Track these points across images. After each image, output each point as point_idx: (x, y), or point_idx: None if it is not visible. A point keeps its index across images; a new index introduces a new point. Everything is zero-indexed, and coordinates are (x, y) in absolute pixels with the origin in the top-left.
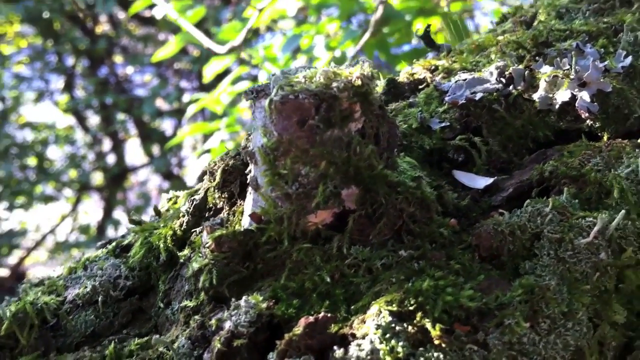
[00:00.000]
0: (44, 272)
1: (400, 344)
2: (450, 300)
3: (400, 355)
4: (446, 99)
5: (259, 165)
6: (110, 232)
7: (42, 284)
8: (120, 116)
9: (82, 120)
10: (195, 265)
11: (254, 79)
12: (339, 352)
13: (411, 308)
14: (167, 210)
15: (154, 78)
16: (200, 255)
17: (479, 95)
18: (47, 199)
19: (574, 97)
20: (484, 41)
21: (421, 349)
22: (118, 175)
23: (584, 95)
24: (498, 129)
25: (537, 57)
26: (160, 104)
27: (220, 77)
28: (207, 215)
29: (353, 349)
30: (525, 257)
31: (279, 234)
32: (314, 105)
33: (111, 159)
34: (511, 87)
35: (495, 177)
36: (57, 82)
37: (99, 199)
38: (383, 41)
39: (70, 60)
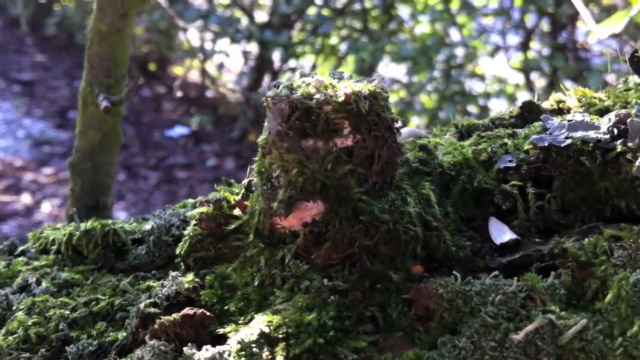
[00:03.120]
0: None
1: None
2: (321, 343)
3: None
4: (531, 138)
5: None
6: None
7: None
8: (567, 83)
9: (529, 81)
10: (185, 232)
11: None
12: (188, 350)
13: (280, 336)
14: None
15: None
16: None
17: (567, 142)
18: None
19: None
20: None
21: None
22: None
23: None
24: (575, 185)
25: None
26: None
27: None
28: None
29: (201, 352)
30: (452, 330)
31: (250, 227)
32: (288, 112)
33: None
34: (620, 141)
35: (517, 237)
36: (514, 39)
37: None
38: None
39: (532, 20)
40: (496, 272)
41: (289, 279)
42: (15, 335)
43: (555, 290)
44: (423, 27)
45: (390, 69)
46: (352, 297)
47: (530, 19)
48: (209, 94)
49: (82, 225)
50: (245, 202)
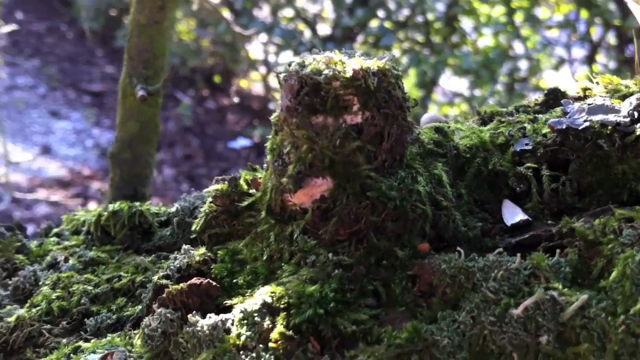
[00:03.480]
0: None
1: (247, 333)
2: (321, 314)
3: (238, 342)
4: (549, 121)
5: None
6: None
7: None
8: None
9: None
10: (201, 209)
11: None
12: (192, 317)
13: (282, 306)
14: None
15: None
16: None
17: (584, 125)
18: None
19: None
20: None
21: (261, 345)
22: None
23: None
24: (592, 168)
25: None
26: None
27: None
28: None
29: (205, 319)
30: (454, 306)
31: (262, 204)
32: (298, 88)
33: None
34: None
35: (528, 218)
36: (579, 52)
37: None
38: None
39: (598, 33)
40: (500, 250)
41: (296, 254)
42: (38, 308)
43: (560, 268)
44: (486, 39)
45: (452, 82)
46: (356, 271)
47: (596, 32)
48: (272, 106)
49: (110, 207)
50: (259, 180)
